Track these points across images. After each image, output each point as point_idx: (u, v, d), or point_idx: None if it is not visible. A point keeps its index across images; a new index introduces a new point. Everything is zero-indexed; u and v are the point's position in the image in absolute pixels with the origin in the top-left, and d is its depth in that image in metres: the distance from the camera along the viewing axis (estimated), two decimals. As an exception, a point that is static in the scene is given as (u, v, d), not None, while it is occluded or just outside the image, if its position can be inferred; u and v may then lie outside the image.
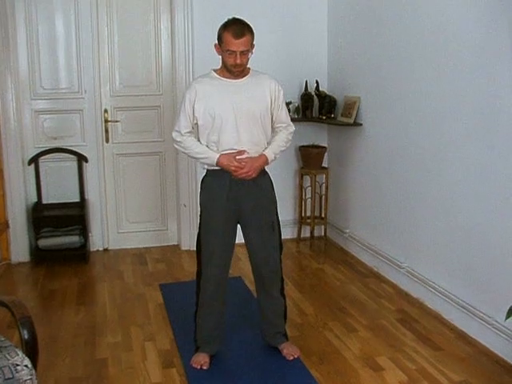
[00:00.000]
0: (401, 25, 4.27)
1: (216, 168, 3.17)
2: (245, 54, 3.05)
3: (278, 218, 3.38)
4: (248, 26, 3.07)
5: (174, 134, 3.23)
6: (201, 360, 3.30)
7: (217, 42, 3.12)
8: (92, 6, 5.08)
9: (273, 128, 3.31)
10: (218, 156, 3.13)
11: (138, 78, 5.31)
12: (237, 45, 3.01)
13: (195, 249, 3.36)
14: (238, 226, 3.31)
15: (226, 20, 3.11)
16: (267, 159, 3.21)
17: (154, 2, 5.21)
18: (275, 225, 3.34)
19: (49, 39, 5.08)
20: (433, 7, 3.87)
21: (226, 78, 3.15)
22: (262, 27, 5.24)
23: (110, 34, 5.19)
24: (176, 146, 3.28)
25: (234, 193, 3.18)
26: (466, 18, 3.55)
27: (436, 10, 3.84)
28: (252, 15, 5.19)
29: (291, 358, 3.35)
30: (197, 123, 3.18)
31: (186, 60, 5.14)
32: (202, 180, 3.29)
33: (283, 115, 3.31)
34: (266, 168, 3.29)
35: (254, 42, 3.14)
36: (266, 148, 3.24)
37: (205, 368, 3.27)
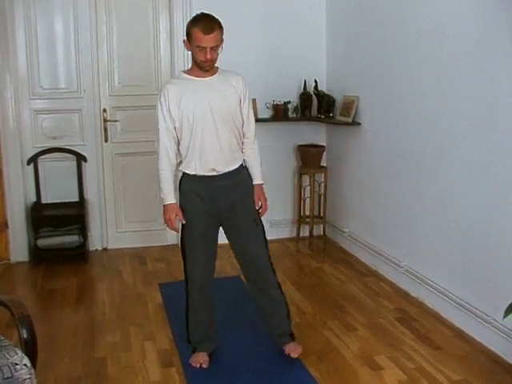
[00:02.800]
0: (399, 24, 4.28)
1: (191, 172, 3.15)
2: (215, 49, 3.02)
3: (258, 212, 3.35)
4: (218, 21, 3.04)
5: (161, 156, 3.15)
6: (200, 359, 3.30)
7: (185, 38, 3.08)
8: (91, 6, 5.09)
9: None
10: (168, 203, 3.15)
11: (136, 77, 5.32)
12: (207, 40, 2.97)
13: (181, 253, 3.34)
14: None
15: (194, 15, 3.10)
16: (262, 184, 3.36)
17: (152, 2, 5.22)
18: (258, 220, 3.31)
19: (48, 39, 5.09)
20: (431, 7, 3.88)
21: (196, 76, 3.12)
22: (261, 27, 5.27)
23: (109, 34, 5.19)
24: (158, 164, 3.19)
25: (211, 195, 3.15)
26: (463, 17, 3.56)
27: (434, 9, 3.84)
28: (250, 15, 5.22)
29: (296, 355, 3.32)
30: (175, 127, 3.12)
31: (184, 59, 5.12)
32: (180, 182, 3.25)
33: (250, 118, 3.28)
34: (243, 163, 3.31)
35: (224, 38, 3.10)
36: (252, 173, 3.32)
37: (204, 367, 3.27)
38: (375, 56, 4.65)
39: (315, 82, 5.35)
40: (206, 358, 3.31)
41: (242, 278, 4.46)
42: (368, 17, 4.75)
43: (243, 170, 3.29)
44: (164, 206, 3.19)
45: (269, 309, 3.38)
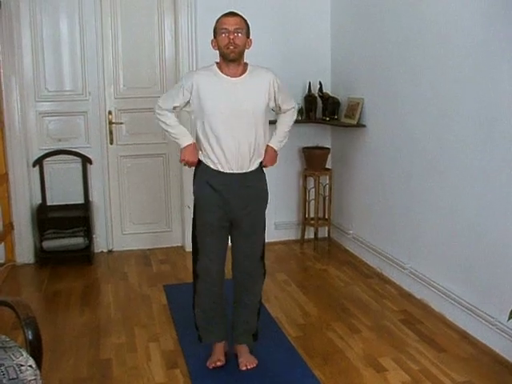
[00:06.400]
0: (405, 27, 4.28)
1: (211, 166, 3.11)
2: (239, 34, 3.00)
3: (265, 215, 3.33)
4: (243, 16, 3.09)
5: (157, 107, 3.18)
6: (215, 358, 3.31)
7: (213, 37, 3.10)
8: (96, 9, 5.11)
9: (279, 110, 3.30)
10: (186, 144, 3.14)
11: (142, 79, 5.33)
12: (229, 22, 3.00)
13: (191, 245, 3.32)
14: None
15: None
16: (275, 150, 3.26)
17: (157, 5, 5.23)
18: (264, 224, 3.31)
19: (53, 42, 5.11)
20: (436, 9, 3.88)
21: (225, 74, 3.07)
22: (265, 29, 5.28)
23: (114, 37, 5.21)
24: (157, 116, 3.19)
25: (225, 192, 3.12)
26: (468, 19, 3.56)
27: (439, 12, 3.85)
28: (255, 17, 5.20)
29: (244, 368, 3.28)
30: (190, 113, 3.15)
31: (189, 62, 5.15)
32: (195, 172, 3.23)
33: (286, 99, 3.26)
34: (264, 169, 3.27)
35: (251, 38, 3.12)
36: (270, 139, 3.26)
37: (219, 364, 3.28)
38: (380, 58, 4.66)
39: (320, 84, 5.36)
40: (222, 358, 3.32)
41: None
42: (373, 19, 4.75)
43: (260, 174, 3.25)
44: (182, 149, 3.17)
45: (245, 304, 3.34)
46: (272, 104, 3.20)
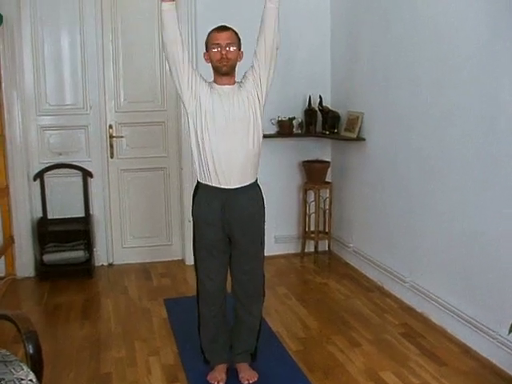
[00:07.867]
0: (404, 40, 4.30)
1: (208, 183, 3.13)
2: (231, 48, 3.05)
3: (264, 231, 3.33)
4: (234, 29, 3.11)
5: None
6: (217, 376, 3.29)
7: (205, 51, 3.15)
8: (97, 23, 5.14)
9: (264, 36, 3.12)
10: None
11: (142, 93, 5.36)
12: (221, 37, 3.04)
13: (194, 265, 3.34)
14: None
15: None
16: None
17: (158, 19, 5.23)
18: (263, 240, 3.31)
19: (54, 56, 5.14)
20: (436, 21, 3.90)
21: (216, 84, 3.13)
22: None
23: (115, 51, 5.24)
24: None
25: (223, 209, 3.12)
26: (467, 29, 3.58)
27: (439, 23, 3.87)
28: (256, 30, 5.26)
29: (246, 382, 3.28)
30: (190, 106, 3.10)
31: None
32: (194, 193, 3.24)
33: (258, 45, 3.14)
34: (258, 182, 3.26)
35: (243, 50, 3.15)
36: None
37: None
38: (380, 72, 4.68)
39: (320, 97, 5.38)
40: (224, 376, 3.30)
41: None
42: (373, 33, 4.78)
43: (256, 188, 3.24)
44: None
45: (245, 325, 3.36)
46: (264, 69, 3.13)
